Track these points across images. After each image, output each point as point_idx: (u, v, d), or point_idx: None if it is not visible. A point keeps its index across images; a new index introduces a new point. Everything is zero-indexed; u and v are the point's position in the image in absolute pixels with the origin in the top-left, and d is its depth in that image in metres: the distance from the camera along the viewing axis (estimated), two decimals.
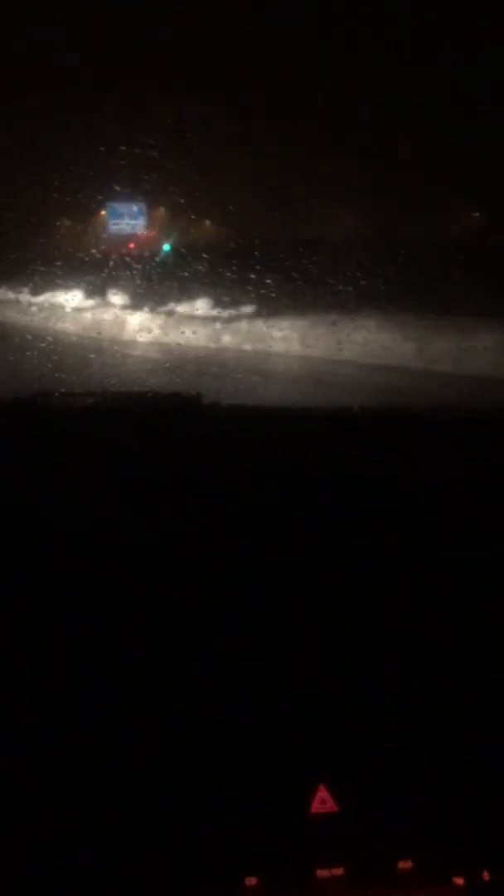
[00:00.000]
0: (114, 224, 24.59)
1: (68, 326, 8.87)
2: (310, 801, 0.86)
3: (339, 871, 0.84)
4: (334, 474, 1.15)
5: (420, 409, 1.83)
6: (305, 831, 0.85)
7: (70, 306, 9.12)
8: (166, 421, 1.36)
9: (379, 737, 0.89)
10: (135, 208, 24.44)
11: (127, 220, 21.79)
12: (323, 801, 0.86)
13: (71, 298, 9.44)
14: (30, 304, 8.76)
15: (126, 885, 0.80)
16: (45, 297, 9.67)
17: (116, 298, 10.69)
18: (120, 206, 25.60)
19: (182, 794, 0.83)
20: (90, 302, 10.15)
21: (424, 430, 1.42)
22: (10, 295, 8.83)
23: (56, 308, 8.96)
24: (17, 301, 8.11)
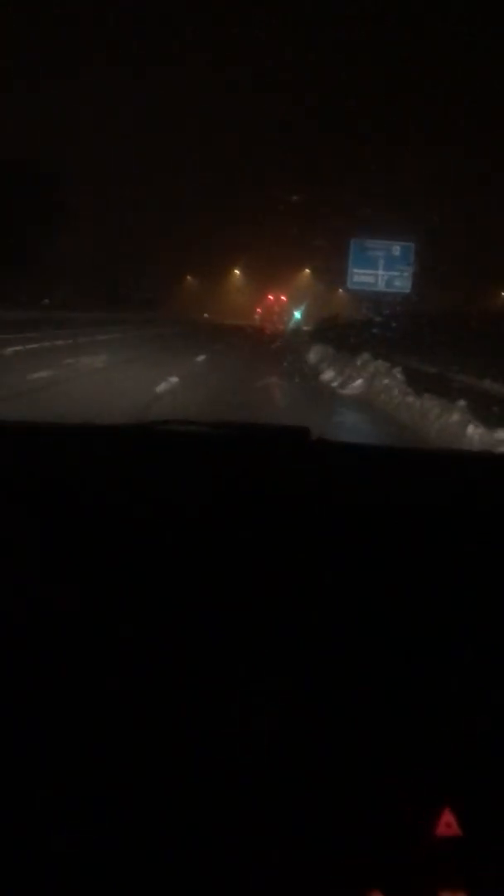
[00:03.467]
0: (358, 275, 23.58)
1: None
2: (435, 823, 0.84)
3: None
4: (447, 518, 1.12)
5: None
6: (429, 853, 0.83)
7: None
8: (273, 454, 1.36)
9: None
10: (398, 250, 23.36)
11: (382, 271, 22.33)
12: (448, 824, 0.83)
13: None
14: None
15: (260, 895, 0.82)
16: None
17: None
18: (373, 247, 23.60)
19: (313, 806, 0.85)
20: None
21: None
22: None
23: None
24: None
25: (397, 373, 9.98)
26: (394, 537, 1.07)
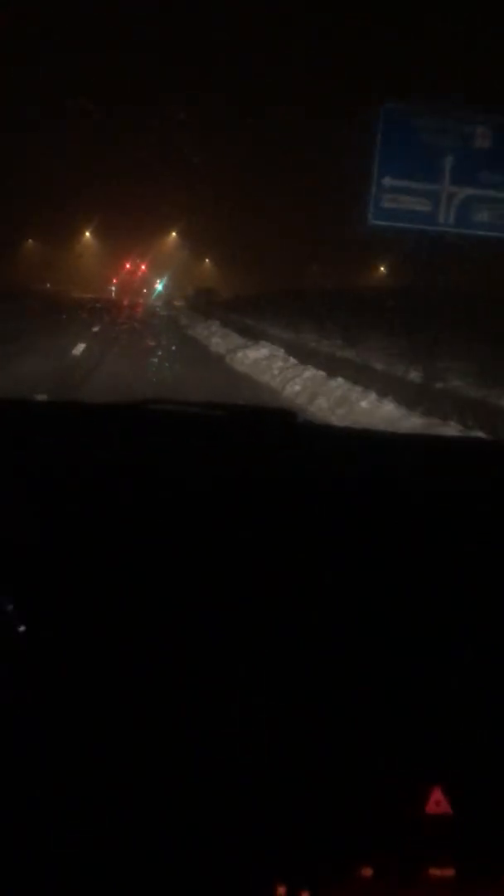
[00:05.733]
0: (392, 193, 9.77)
1: None
2: (425, 801, 0.88)
3: (449, 873, 0.88)
4: (427, 503, 1.16)
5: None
6: (419, 831, 0.88)
7: None
8: (260, 435, 1.42)
9: (499, 742, 0.92)
10: (487, 136, 9.49)
11: (449, 185, 9.31)
12: (438, 802, 0.88)
13: None
14: None
15: (254, 867, 0.85)
16: None
17: None
18: (430, 127, 9.74)
19: (305, 782, 0.88)
20: None
21: None
22: None
23: None
24: None
25: None
26: (385, 523, 1.09)
